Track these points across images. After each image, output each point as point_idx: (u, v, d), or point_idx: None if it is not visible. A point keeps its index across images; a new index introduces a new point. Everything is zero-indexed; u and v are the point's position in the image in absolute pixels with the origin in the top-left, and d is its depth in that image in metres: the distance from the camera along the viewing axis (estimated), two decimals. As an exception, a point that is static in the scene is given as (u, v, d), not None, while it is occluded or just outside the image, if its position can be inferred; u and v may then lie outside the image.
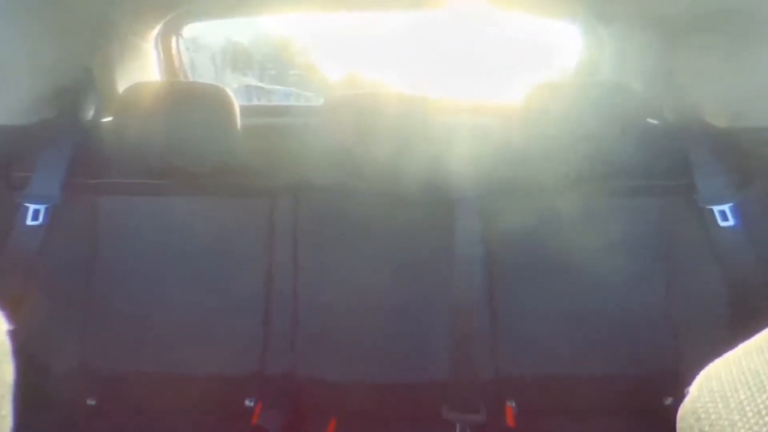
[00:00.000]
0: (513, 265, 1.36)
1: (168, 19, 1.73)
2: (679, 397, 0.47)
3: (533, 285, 1.35)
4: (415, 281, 1.37)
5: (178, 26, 1.83)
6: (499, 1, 1.69)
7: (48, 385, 1.30)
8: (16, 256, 1.31)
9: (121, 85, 1.59)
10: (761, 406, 0.40)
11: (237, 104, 1.38)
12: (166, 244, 1.38)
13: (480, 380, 1.32)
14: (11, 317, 0.52)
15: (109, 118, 1.46)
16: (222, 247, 1.37)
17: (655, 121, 1.47)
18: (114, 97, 1.52)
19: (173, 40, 1.84)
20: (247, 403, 1.34)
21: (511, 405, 1.32)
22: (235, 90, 1.64)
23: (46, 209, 1.33)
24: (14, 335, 0.51)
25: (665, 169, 1.35)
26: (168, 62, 1.84)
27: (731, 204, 1.28)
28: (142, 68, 1.73)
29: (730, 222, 1.28)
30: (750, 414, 0.41)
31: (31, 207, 1.33)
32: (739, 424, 0.41)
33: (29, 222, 1.32)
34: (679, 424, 0.46)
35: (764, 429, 0.39)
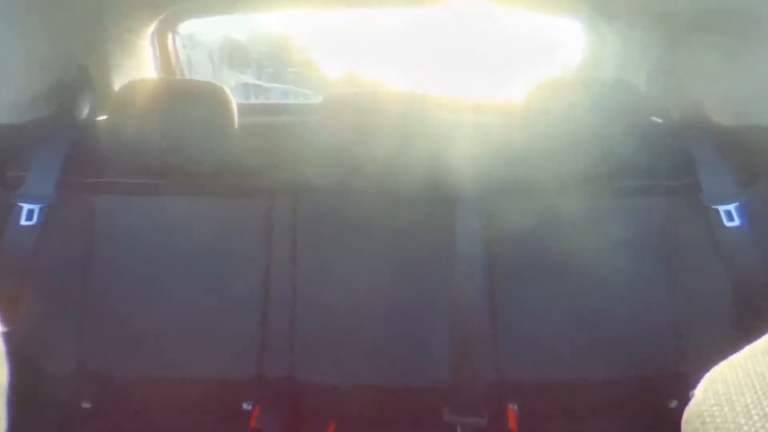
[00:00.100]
0: (514, 265, 1.36)
1: (164, 15, 1.73)
2: (684, 400, 0.47)
3: (535, 285, 1.35)
4: (415, 281, 1.37)
5: (175, 23, 1.83)
6: (500, -3, 1.70)
7: (43, 387, 1.30)
8: (11, 256, 1.31)
9: (117, 83, 1.59)
10: (768, 410, 0.40)
11: (234, 102, 1.38)
12: (163, 244, 1.38)
13: (481, 382, 1.32)
14: (6, 319, 0.52)
15: (105, 117, 1.45)
16: (220, 248, 1.37)
17: (658, 120, 1.47)
18: (110, 95, 1.52)
19: (169, 37, 1.84)
20: (245, 406, 1.34)
21: (513, 408, 1.32)
22: (233, 88, 1.64)
23: (41, 209, 1.33)
24: (9, 337, 0.51)
25: (669, 168, 1.35)
26: (164, 60, 1.84)
27: (737, 204, 1.28)
28: (138, 66, 1.73)
29: (736, 222, 1.28)
30: (756, 417, 0.41)
31: (26, 207, 1.32)
32: (745, 428, 0.41)
33: (23, 222, 1.32)
34: (684, 428, 0.46)
35: None
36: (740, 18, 1.27)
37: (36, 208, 1.33)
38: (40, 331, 1.30)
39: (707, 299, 1.30)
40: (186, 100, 1.36)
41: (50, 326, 1.32)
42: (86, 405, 1.34)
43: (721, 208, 1.29)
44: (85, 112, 1.49)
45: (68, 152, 1.38)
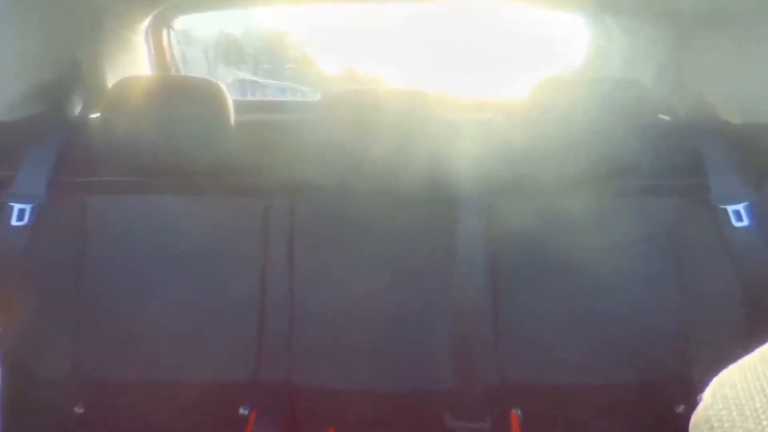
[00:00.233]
0: (517, 266, 1.36)
1: (158, 11, 1.73)
2: (692, 404, 0.48)
3: (538, 287, 1.35)
4: (416, 283, 1.37)
5: (169, 18, 1.83)
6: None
7: (35, 391, 1.30)
8: (1, 258, 1.31)
9: (110, 80, 1.59)
10: (777, 415, 0.40)
11: (230, 99, 1.38)
12: (158, 244, 1.38)
13: (484, 387, 1.32)
14: (-3, 321, 0.53)
15: (98, 114, 1.45)
16: (215, 249, 1.37)
17: (665, 118, 1.47)
18: (103, 92, 1.52)
19: (164, 32, 1.84)
20: (242, 411, 1.34)
21: (516, 413, 1.32)
22: (229, 84, 1.64)
23: (32, 209, 1.33)
24: (0, 340, 0.51)
25: (676, 167, 1.35)
26: (159, 56, 1.84)
27: (746, 203, 1.28)
28: (132, 62, 1.73)
29: (745, 222, 1.28)
30: (766, 423, 0.41)
31: (16, 206, 1.32)
32: (755, 432, 0.41)
33: (14, 222, 1.32)
34: None
35: None
36: (750, 13, 1.27)
37: (27, 208, 1.33)
38: (32, 334, 1.30)
39: (715, 301, 1.30)
40: (181, 97, 1.36)
41: (42, 329, 1.32)
42: (79, 410, 1.34)
43: (730, 208, 1.29)
44: (77, 109, 1.49)
45: (60, 151, 1.38)
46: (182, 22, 1.94)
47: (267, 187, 1.40)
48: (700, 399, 0.46)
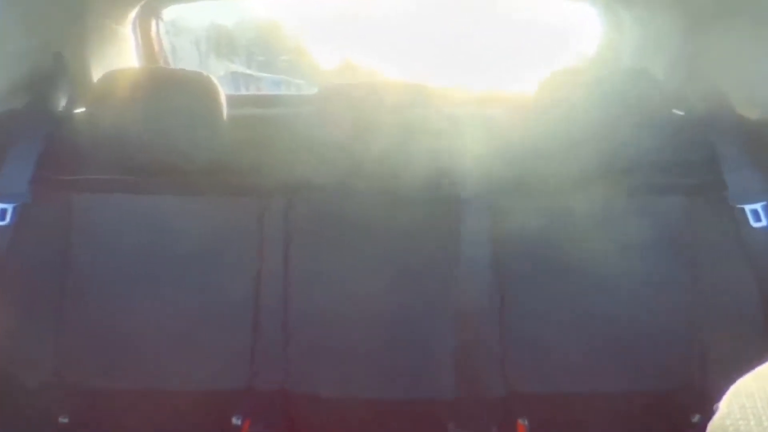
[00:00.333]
0: (523, 268, 1.36)
1: (146, 0, 1.73)
2: (707, 414, 0.48)
3: (545, 291, 1.35)
4: (417, 287, 1.37)
5: (158, 8, 1.83)
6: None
7: (17, 400, 1.30)
8: None
9: (96, 73, 1.59)
10: (797, 425, 0.41)
11: (223, 93, 1.38)
12: (146, 246, 1.38)
13: (489, 395, 1.32)
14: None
15: (83, 109, 1.45)
16: (208, 250, 1.37)
17: (680, 112, 1.47)
18: (88, 85, 1.52)
19: (152, 23, 1.84)
20: (235, 420, 1.33)
21: (523, 423, 1.32)
22: (221, 78, 1.64)
23: (14, 208, 1.33)
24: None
25: (691, 164, 1.35)
26: (147, 47, 1.84)
27: (764, 203, 1.29)
28: (119, 54, 1.73)
29: (763, 222, 1.28)
30: (785, 433, 0.41)
31: None
32: (773, 443, 0.41)
33: None
34: None
35: None
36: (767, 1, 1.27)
37: (9, 207, 1.33)
38: (14, 340, 1.30)
39: (732, 306, 1.30)
40: (170, 90, 1.36)
41: (25, 334, 1.32)
42: (63, 419, 1.34)
43: (747, 208, 1.29)
44: (61, 103, 1.49)
45: (44, 147, 1.37)
46: (171, 12, 1.94)
47: (262, 186, 1.40)
48: (716, 408, 0.46)
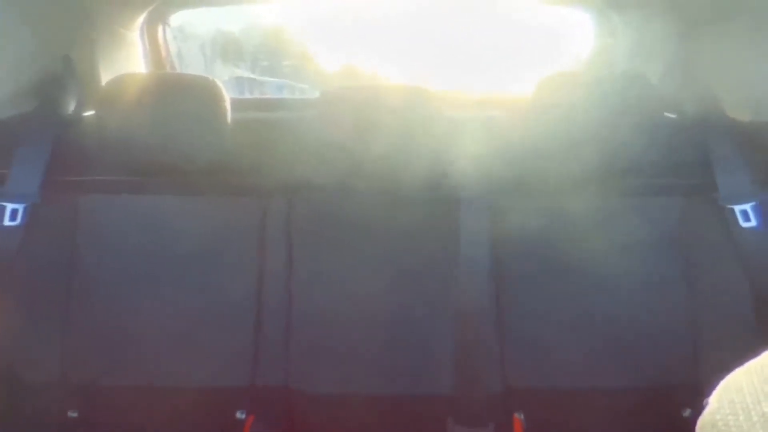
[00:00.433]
0: (521, 268, 1.36)
1: (154, 6, 1.73)
2: (698, 408, 0.48)
3: (543, 290, 1.35)
4: (417, 286, 1.37)
5: (165, 14, 1.83)
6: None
7: (26, 396, 1.30)
8: None
9: (105, 77, 1.59)
10: (786, 420, 0.40)
11: (228, 97, 1.38)
12: (152, 246, 1.38)
13: (486, 391, 1.32)
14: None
15: (92, 112, 1.46)
16: (211, 250, 1.37)
17: (672, 115, 1.47)
18: (97, 89, 1.52)
19: (160, 29, 1.84)
20: (238, 415, 1.34)
21: (519, 417, 1.32)
22: (226, 82, 1.64)
23: (25, 209, 1.33)
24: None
25: (683, 166, 1.35)
26: (154, 52, 1.84)
27: (754, 203, 1.28)
28: (127, 59, 1.73)
29: (753, 222, 1.28)
30: (773, 427, 0.41)
31: (9, 206, 1.33)
32: (762, 437, 0.41)
33: (6, 222, 1.32)
34: None
35: None
36: (760, 6, 1.26)
37: (20, 207, 1.33)
38: (23, 338, 1.30)
39: (724, 303, 1.30)
40: (177, 94, 1.36)
41: (33, 332, 1.32)
42: (73, 414, 1.34)
43: (737, 208, 1.29)
44: (70, 107, 1.49)
45: (53, 149, 1.38)
46: (178, 18, 1.94)
47: (265, 187, 1.40)
48: (707, 403, 0.46)
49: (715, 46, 1.42)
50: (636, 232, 1.33)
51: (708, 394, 0.47)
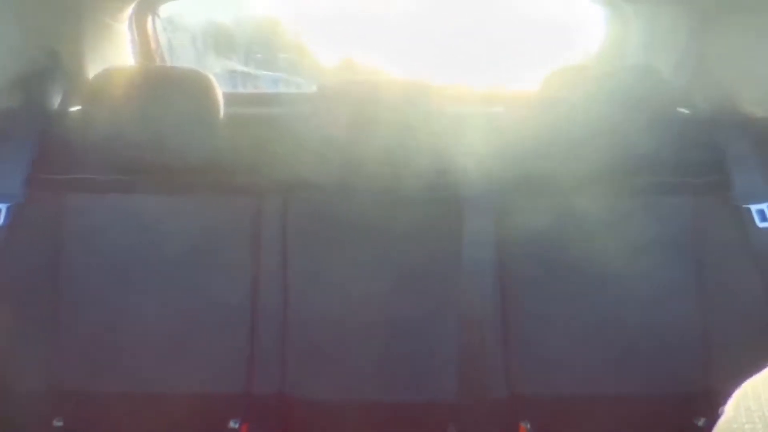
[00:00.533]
0: (527, 270, 1.36)
1: (143, -4, 1.73)
2: (713, 417, 0.48)
3: (550, 294, 1.35)
4: (418, 289, 1.37)
5: (154, 5, 1.83)
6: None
7: (9, 403, 1.30)
8: None
9: (92, 71, 1.59)
10: (804, 428, 0.40)
11: (220, 91, 1.38)
12: (141, 247, 1.38)
13: (490, 398, 1.32)
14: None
15: (78, 107, 1.46)
16: (203, 252, 1.37)
17: (686, 111, 1.47)
18: (83, 83, 1.52)
19: (149, 20, 1.84)
20: (232, 424, 1.33)
21: (525, 426, 1.32)
22: (218, 75, 1.64)
23: (8, 208, 1.33)
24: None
25: (697, 163, 1.35)
26: (143, 45, 1.84)
27: None
28: (115, 51, 1.73)
29: None
30: (792, 437, 0.41)
31: None
32: (780, 447, 0.41)
33: None
34: None
35: None
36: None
37: (3, 207, 1.33)
38: (8, 344, 1.30)
39: (739, 307, 1.30)
40: (167, 88, 1.36)
41: (18, 338, 1.32)
42: (58, 423, 1.34)
43: (754, 207, 1.29)
44: (56, 102, 1.49)
45: (38, 146, 1.38)
46: (168, 9, 1.94)
47: (259, 186, 1.40)
48: (722, 412, 0.46)
49: (730, 39, 1.42)
50: (646, 233, 1.34)
51: (723, 402, 0.47)
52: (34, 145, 1.37)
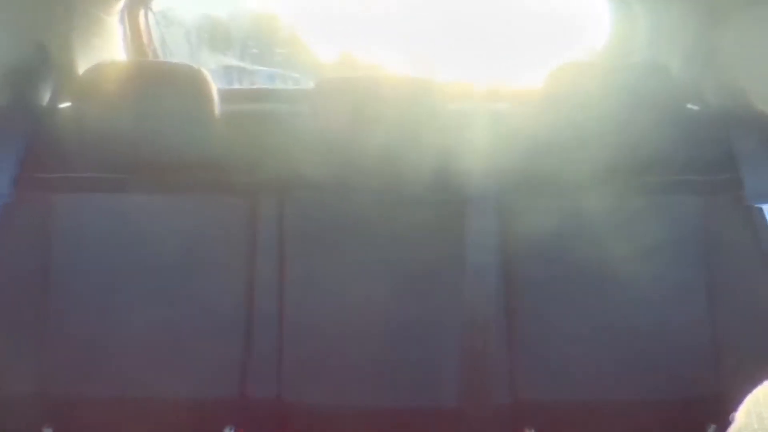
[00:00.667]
0: (533, 273, 1.36)
1: (135, -11, 1.73)
2: (724, 423, 0.48)
3: (556, 296, 1.36)
4: (420, 292, 1.37)
5: (147, -2, 1.83)
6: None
7: None
8: None
9: (82, 66, 1.59)
10: (818, 436, 0.40)
11: (215, 87, 1.38)
12: (133, 249, 1.38)
13: (494, 405, 1.32)
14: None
15: (68, 104, 1.46)
16: (197, 253, 1.37)
17: (695, 107, 1.47)
18: (73, 79, 1.52)
19: (141, 13, 1.84)
20: (227, 430, 1.34)
21: None
22: (213, 71, 1.64)
23: None
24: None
25: (707, 161, 1.36)
26: (135, 39, 1.83)
27: None
28: (106, 46, 1.73)
29: None
30: (805, 444, 0.41)
31: None
32: (794, 455, 0.41)
33: None
34: None
35: None
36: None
37: None
38: None
39: (751, 310, 1.30)
40: (160, 84, 1.36)
41: (6, 343, 1.32)
42: (47, 430, 1.34)
43: (766, 207, 1.29)
44: (45, 98, 1.49)
45: (26, 144, 1.37)
46: (162, 2, 1.94)
47: (255, 185, 1.40)
48: (733, 418, 0.46)
49: (741, 32, 1.42)
50: (655, 234, 1.34)
51: (734, 408, 0.47)
52: (22, 143, 1.37)
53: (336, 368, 1.36)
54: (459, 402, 1.32)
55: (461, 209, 1.37)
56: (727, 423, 0.47)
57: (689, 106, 1.44)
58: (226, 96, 1.49)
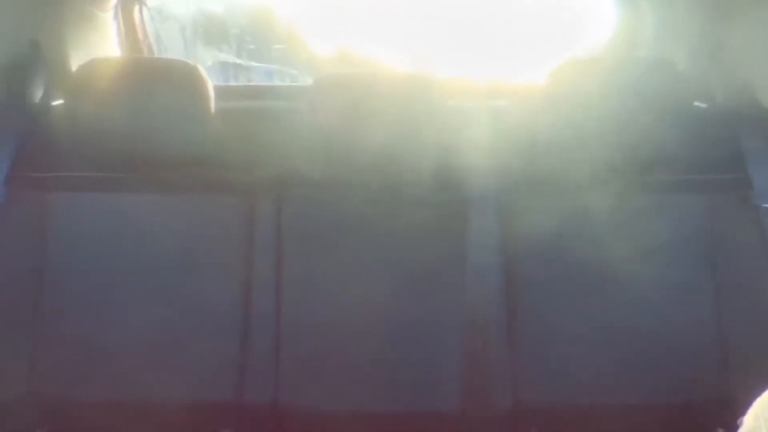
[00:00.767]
0: (535, 274, 1.36)
1: (129, -16, 1.73)
2: (732, 427, 0.48)
3: (559, 298, 1.35)
4: (420, 293, 1.37)
5: (142, -7, 1.83)
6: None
7: None
8: None
9: (75, 62, 1.59)
10: (828, 440, 0.40)
11: (211, 84, 1.38)
12: (128, 249, 1.38)
13: (496, 409, 1.32)
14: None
15: (61, 101, 1.46)
16: (193, 253, 1.37)
17: (702, 105, 1.47)
18: (67, 76, 1.52)
19: (136, 8, 1.84)
20: None
21: None
22: (209, 68, 1.64)
23: None
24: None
25: (714, 160, 1.35)
26: (130, 35, 1.83)
27: None
28: (100, 42, 1.72)
29: None
30: (815, 449, 0.41)
31: None
32: (803, 460, 0.41)
33: None
34: None
35: None
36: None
37: None
38: None
39: (758, 311, 1.30)
40: (154, 81, 1.36)
41: (1, 343, 1.32)
42: None
43: None
44: (37, 96, 1.49)
45: (19, 143, 1.37)
46: (156, -3, 1.94)
47: (252, 184, 1.40)
48: (741, 422, 0.46)
49: (748, 29, 1.42)
50: (660, 233, 1.34)
51: (742, 411, 0.47)
52: (14, 141, 1.37)
53: (334, 370, 1.35)
54: (460, 406, 1.32)
55: (462, 208, 1.37)
56: (735, 427, 0.47)
57: (696, 103, 1.44)
58: (223, 93, 1.49)
